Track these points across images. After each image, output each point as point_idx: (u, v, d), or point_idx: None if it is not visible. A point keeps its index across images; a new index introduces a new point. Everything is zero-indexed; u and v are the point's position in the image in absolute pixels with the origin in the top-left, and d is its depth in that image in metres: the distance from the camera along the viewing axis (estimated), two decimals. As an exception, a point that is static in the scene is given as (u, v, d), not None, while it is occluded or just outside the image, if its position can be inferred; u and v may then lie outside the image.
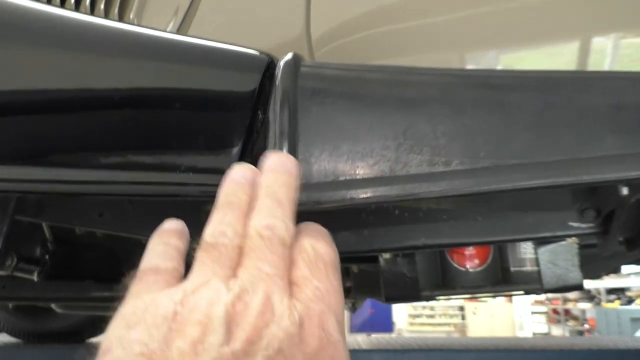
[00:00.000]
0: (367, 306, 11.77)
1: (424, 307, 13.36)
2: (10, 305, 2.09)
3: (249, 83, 0.41)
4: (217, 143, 0.39)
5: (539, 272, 0.95)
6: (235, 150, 0.40)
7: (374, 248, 0.93)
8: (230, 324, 0.30)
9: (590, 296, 10.37)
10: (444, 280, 1.02)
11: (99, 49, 0.43)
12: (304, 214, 0.39)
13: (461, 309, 13.14)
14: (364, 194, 0.38)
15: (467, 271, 1.00)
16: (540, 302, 11.93)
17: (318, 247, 0.37)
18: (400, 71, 0.44)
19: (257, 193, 0.38)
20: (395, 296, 0.97)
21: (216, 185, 0.39)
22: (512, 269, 1.00)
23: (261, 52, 0.44)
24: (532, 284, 0.97)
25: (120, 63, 0.42)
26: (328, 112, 0.40)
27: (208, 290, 0.32)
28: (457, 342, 2.55)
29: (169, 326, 0.31)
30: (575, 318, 10.65)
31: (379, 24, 1.06)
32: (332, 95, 0.41)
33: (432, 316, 13.31)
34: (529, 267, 0.98)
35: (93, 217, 1.01)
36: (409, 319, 13.07)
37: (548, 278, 0.94)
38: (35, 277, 1.07)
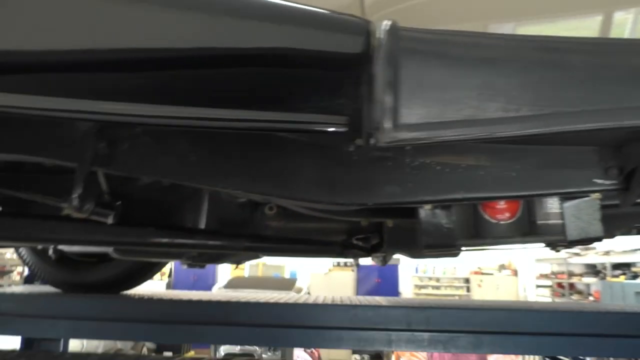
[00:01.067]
0: (374, 275, 11.99)
1: (430, 278, 13.56)
2: (54, 256, 2.23)
3: (359, 44, 0.51)
4: (337, 90, 0.50)
5: (563, 225, 1.06)
6: (350, 96, 0.50)
7: (417, 200, 1.04)
8: None
9: (595, 271, 10.48)
10: (476, 232, 1.13)
11: (239, 12, 0.53)
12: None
13: (467, 281, 13.32)
14: (453, 133, 0.49)
15: (498, 223, 1.11)
16: (546, 276, 12.08)
17: None
18: (479, 35, 0.54)
19: None
20: (434, 244, 1.08)
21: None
22: (539, 222, 1.11)
23: (359, 18, 0.55)
24: (557, 235, 1.08)
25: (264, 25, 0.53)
26: (423, 67, 0.51)
27: None
28: (472, 303, 2.67)
29: None
30: (579, 292, 10.80)
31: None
32: (426, 54, 0.51)
33: (437, 287, 13.49)
34: (554, 220, 1.09)
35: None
36: (415, 290, 13.25)
37: (571, 230, 1.05)
38: (109, 221, 1.19)
